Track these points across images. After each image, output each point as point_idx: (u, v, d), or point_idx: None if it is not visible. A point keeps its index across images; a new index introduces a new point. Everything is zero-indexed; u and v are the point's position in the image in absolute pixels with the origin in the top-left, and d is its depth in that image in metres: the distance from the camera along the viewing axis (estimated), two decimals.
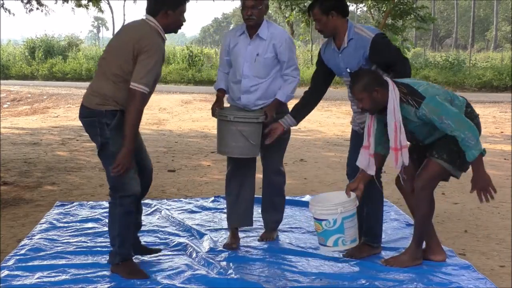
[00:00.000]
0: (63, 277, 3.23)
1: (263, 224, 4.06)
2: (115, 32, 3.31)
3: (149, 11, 3.19)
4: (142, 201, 5.04)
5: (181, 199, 5.14)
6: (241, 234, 4.04)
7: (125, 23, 3.45)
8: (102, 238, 3.90)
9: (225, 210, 4.72)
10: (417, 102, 3.07)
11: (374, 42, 3.34)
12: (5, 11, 12.32)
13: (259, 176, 3.96)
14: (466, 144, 3.03)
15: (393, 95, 3.11)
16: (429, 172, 3.26)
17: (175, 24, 3.23)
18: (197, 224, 4.28)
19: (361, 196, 3.34)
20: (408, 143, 3.26)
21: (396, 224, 4.30)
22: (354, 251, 3.59)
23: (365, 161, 3.32)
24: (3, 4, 11.50)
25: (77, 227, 4.22)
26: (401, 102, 3.12)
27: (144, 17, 3.23)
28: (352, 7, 33.08)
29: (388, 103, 3.12)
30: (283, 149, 3.93)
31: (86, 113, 3.16)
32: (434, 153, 3.25)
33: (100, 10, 13.15)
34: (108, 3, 28.94)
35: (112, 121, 3.11)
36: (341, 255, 3.59)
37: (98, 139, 3.15)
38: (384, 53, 3.37)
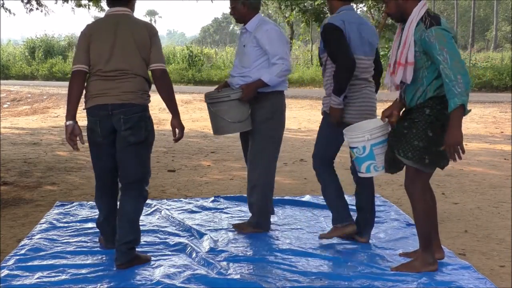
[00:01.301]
0: (63, 277, 3.23)
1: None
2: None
3: (122, 2, 3.36)
4: None
5: (181, 199, 5.14)
6: (240, 234, 4.05)
7: (97, 21, 3.44)
8: None
9: (225, 210, 4.74)
10: (431, 24, 3.00)
11: (321, 31, 3.53)
12: (5, 11, 12.31)
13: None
14: (452, 90, 2.84)
15: (418, 10, 3.09)
16: (409, 172, 3.22)
17: (133, 10, 3.49)
18: (197, 224, 4.28)
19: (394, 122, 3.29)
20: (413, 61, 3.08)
21: (396, 224, 4.30)
22: (325, 233, 3.80)
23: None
24: (3, 4, 11.48)
25: (77, 227, 4.22)
26: (420, 19, 3.07)
27: (120, 11, 3.35)
28: None
29: (410, 16, 3.09)
30: (267, 148, 3.95)
31: (136, 109, 3.28)
32: (400, 151, 3.18)
33: (102, 10, 13.11)
34: None
35: (149, 113, 3.39)
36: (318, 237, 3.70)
37: (142, 132, 3.30)
38: (325, 44, 3.51)
